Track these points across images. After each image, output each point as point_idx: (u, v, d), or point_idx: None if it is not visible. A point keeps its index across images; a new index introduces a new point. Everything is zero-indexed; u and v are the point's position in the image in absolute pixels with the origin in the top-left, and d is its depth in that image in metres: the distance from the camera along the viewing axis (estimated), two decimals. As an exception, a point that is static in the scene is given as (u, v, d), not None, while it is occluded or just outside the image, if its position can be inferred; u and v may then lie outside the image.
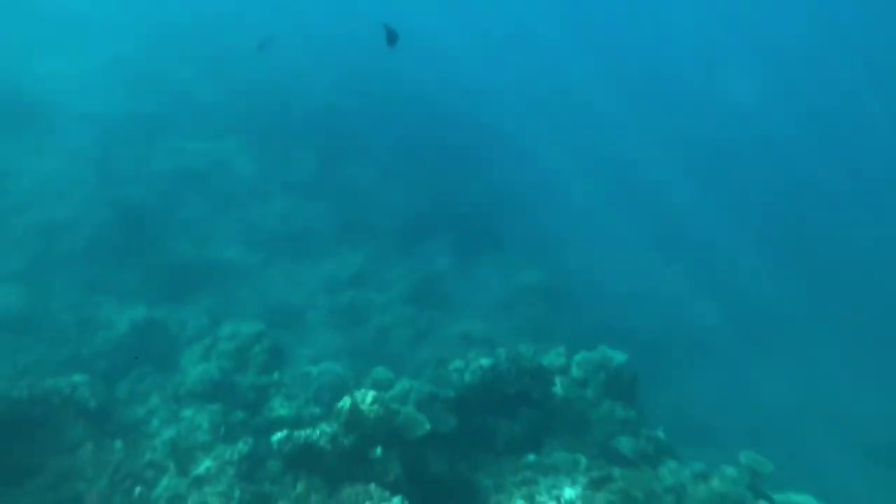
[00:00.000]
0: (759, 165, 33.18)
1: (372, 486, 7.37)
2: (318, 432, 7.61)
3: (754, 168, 32.84)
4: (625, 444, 8.37)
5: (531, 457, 8.66)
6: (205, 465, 8.58)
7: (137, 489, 8.05)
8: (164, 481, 8.29)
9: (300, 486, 7.48)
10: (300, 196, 19.71)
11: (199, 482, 8.34)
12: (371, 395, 8.07)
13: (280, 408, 9.90)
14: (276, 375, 10.58)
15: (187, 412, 10.02)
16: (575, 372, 9.86)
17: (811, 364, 19.36)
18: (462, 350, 14.88)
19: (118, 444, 8.51)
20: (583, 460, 8.28)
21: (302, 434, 7.53)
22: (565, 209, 23.75)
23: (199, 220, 17.90)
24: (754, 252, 24.81)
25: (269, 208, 18.79)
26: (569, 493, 7.00)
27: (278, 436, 7.55)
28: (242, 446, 8.76)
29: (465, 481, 8.49)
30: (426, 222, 19.74)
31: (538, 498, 7.39)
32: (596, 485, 7.02)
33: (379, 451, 7.83)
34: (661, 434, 8.43)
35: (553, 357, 10.20)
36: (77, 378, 10.16)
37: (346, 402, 7.92)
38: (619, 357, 9.64)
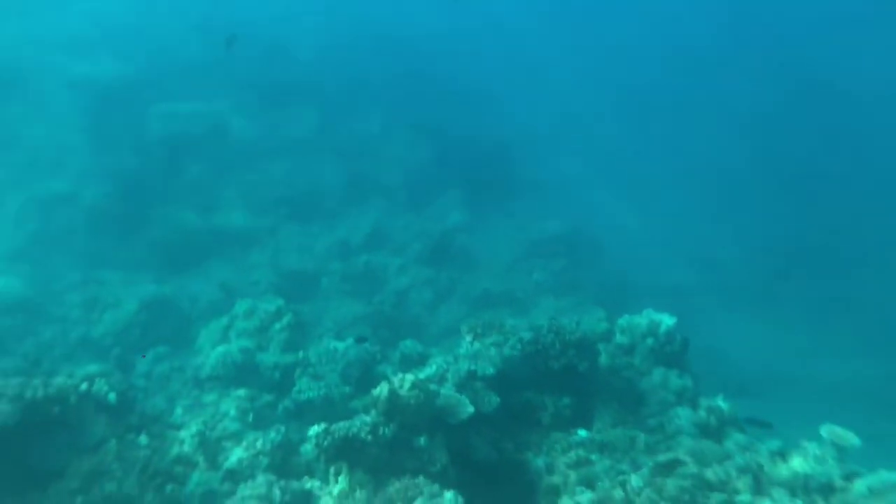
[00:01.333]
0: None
1: (421, 480, 6.87)
2: (357, 424, 7.06)
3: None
4: (685, 417, 7.84)
5: (582, 433, 8.16)
6: (236, 456, 8.11)
7: (169, 487, 7.58)
8: (196, 476, 7.82)
9: (343, 482, 6.98)
10: (302, 154, 18.81)
11: (233, 475, 7.89)
12: (409, 379, 7.48)
13: (308, 389, 9.38)
14: (300, 354, 10.03)
15: (210, 397, 9.54)
16: (619, 338, 9.30)
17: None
18: (487, 312, 14.41)
19: (143, 439, 8.00)
20: (641, 437, 7.78)
21: (341, 427, 6.99)
22: (581, 153, 22.72)
23: (199, 187, 17.09)
24: (778, 200, 23.91)
25: (272, 169, 17.92)
26: (635, 480, 6.49)
27: (316, 430, 7.01)
28: (274, 435, 8.26)
29: (513, 463, 8.03)
30: (436, 173, 18.90)
31: (600, 484, 6.90)
32: (664, 470, 6.52)
33: (423, 440, 7.32)
34: (722, 404, 7.87)
35: (593, 322, 9.62)
36: (92, 368, 9.64)
37: (383, 388, 7.33)
38: (667, 320, 9.03)
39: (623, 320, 9.35)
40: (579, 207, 19.02)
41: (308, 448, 8.50)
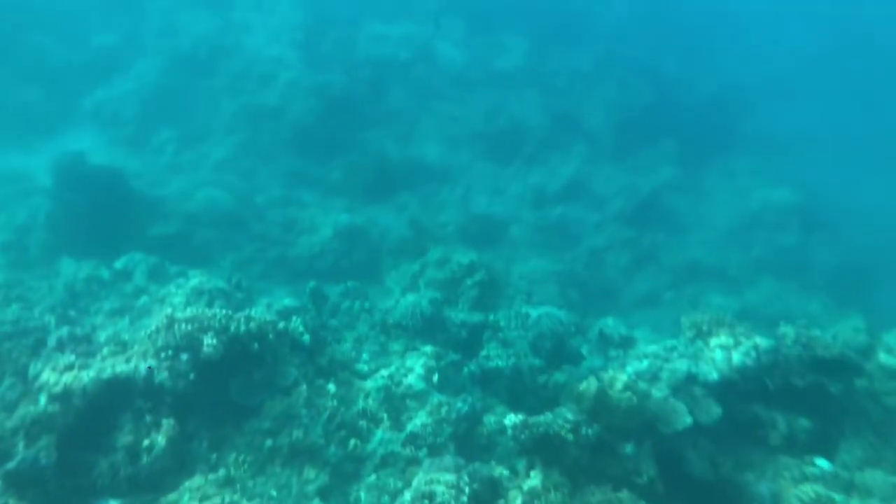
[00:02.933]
0: None
1: (625, 495, 5.99)
2: (559, 420, 6.27)
3: None
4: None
5: (822, 463, 6.76)
6: (420, 420, 7.70)
7: (352, 442, 7.36)
8: (378, 434, 7.54)
9: (535, 479, 6.26)
10: (507, 87, 17.68)
11: (415, 440, 7.51)
12: (621, 379, 6.54)
13: (497, 357, 8.73)
14: (490, 316, 9.37)
15: (396, 346, 9.23)
16: (884, 358, 7.52)
17: None
18: (693, 286, 12.83)
19: (331, 387, 7.83)
20: (906, 488, 6.22)
21: (541, 422, 6.23)
22: (823, 110, 19.30)
23: (401, 114, 16.72)
24: None
25: (473, 102, 17.06)
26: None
27: (513, 420, 6.33)
28: (461, 405, 7.74)
29: (731, 484, 6.88)
30: (648, 120, 16.95)
31: (847, 542, 5.57)
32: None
33: (630, 447, 6.38)
34: None
35: (848, 333, 7.87)
36: (287, 302, 9.72)
37: (590, 385, 6.46)
38: (957, 347, 7.10)
39: (892, 337, 7.53)
40: (816, 173, 16.10)
41: (492, 420, 7.98)
